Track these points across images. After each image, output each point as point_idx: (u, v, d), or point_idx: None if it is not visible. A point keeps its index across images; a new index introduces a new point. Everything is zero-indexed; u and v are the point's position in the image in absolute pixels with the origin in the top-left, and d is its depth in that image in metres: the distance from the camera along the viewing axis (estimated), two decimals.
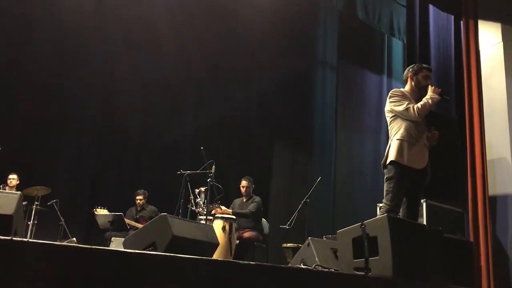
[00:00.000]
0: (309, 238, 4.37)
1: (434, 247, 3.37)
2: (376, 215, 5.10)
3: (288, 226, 6.00)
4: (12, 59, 6.83)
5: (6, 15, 6.76)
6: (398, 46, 9.76)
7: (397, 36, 9.10)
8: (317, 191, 6.44)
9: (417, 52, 8.10)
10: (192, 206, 6.20)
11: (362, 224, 3.12)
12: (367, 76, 9.67)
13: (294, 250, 5.35)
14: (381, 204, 5.09)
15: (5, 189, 6.47)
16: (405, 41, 8.88)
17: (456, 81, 7.82)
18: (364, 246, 3.05)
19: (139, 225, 6.55)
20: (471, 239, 5.30)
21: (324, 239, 5.40)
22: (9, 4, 6.81)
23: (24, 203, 5.94)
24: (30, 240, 1.87)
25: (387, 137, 9.33)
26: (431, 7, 7.90)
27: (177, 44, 7.98)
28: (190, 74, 8.21)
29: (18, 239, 1.90)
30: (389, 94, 4.19)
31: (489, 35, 5.81)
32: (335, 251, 4.16)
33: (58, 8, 7.04)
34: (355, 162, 9.19)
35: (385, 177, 3.95)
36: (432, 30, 8.10)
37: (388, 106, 4.19)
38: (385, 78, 9.72)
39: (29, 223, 6.28)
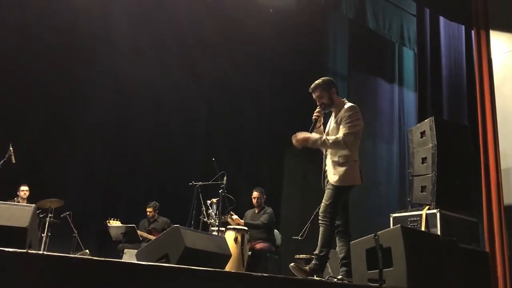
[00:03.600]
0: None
1: (449, 258, 3.33)
2: (389, 226, 5.06)
3: (300, 237, 5.97)
4: (23, 72, 6.90)
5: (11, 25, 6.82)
6: (409, 55, 9.73)
7: (407, 45, 9.09)
8: None
9: (428, 61, 8.09)
10: (204, 217, 6.20)
11: (375, 235, 3.10)
12: (378, 85, 9.64)
13: (307, 261, 5.31)
14: (394, 215, 5.10)
15: (18, 202, 6.53)
16: (415, 50, 8.86)
17: (468, 90, 7.78)
18: (378, 257, 3.02)
19: (152, 237, 6.56)
20: (487, 249, 5.23)
21: (337, 250, 5.36)
22: (21, 8, 6.90)
23: (39, 214, 5.99)
24: (45, 253, 1.89)
25: (400, 146, 9.37)
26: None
27: (187, 57, 8.05)
28: (201, 87, 8.27)
29: (33, 251, 1.92)
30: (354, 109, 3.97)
31: (500, 43, 5.78)
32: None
33: (68, 13, 7.12)
34: (367, 172, 9.08)
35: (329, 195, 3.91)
36: (443, 39, 8.08)
37: (344, 121, 3.94)
38: (396, 87, 9.69)
39: (42, 235, 6.32)
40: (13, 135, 6.22)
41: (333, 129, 3.93)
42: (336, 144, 3.80)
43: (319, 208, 6.01)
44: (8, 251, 1.81)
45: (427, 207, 4.75)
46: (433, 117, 5.10)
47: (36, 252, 1.93)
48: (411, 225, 4.73)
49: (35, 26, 6.94)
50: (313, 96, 4.02)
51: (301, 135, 3.89)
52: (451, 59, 8.23)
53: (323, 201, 3.85)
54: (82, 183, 7.37)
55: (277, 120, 8.66)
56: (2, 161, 5.67)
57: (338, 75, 9.38)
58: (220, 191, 5.89)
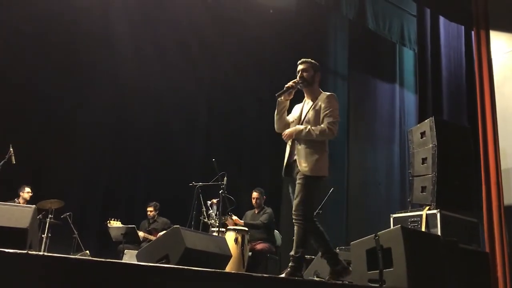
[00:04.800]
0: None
1: (449, 258, 3.33)
2: (390, 226, 5.06)
3: None
4: (23, 73, 6.89)
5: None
6: (409, 56, 9.73)
7: (408, 45, 9.09)
8: (330, 202, 6.39)
9: (428, 62, 8.10)
10: (204, 218, 6.20)
11: (375, 236, 3.10)
12: (378, 86, 9.64)
13: (307, 262, 5.31)
14: (395, 215, 5.09)
15: (19, 202, 6.53)
16: (416, 51, 8.86)
17: (468, 90, 7.78)
18: (378, 257, 3.02)
19: (152, 237, 6.57)
20: (487, 249, 5.23)
21: (338, 251, 5.35)
22: (21, 8, 6.89)
23: (38, 216, 6.00)
24: (46, 253, 1.89)
25: (400, 146, 9.36)
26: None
27: (187, 58, 8.06)
28: (201, 87, 8.27)
29: (34, 252, 1.92)
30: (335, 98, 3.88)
31: (501, 43, 5.78)
32: (348, 263, 4.13)
33: (69, 14, 7.13)
34: (368, 172, 9.13)
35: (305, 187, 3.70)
36: (443, 39, 8.08)
37: (328, 110, 3.81)
38: (397, 87, 9.69)
39: (43, 236, 6.32)
40: (13, 135, 6.22)
41: (313, 117, 3.78)
42: (323, 134, 3.71)
43: (319, 208, 6.07)
44: (9, 252, 1.81)
45: (427, 207, 4.75)
46: (433, 118, 5.10)
47: (37, 253, 1.93)
48: (412, 226, 4.73)
49: (35, 27, 6.94)
50: (299, 67, 3.91)
51: (287, 131, 3.82)
52: (451, 59, 8.23)
53: (295, 196, 3.69)
54: (82, 184, 7.37)
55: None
56: (2, 161, 5.68)
57: (338, 75, 9.38)
58: (220, 192, 5.89)
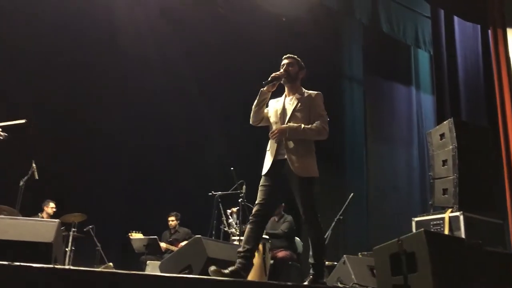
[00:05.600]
0: (344, 255, 4.32)
1: (475, 262, 3.28)
2: (412, 230, 5.01)
3: None
4: (44, 90, 7.03)
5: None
6: (424, 58, 9.66)
7: (423, 47, 9.03)
8: (350, 207, 6.35)
9: (444, 63, 8.01)
10: (225, 227, 6.21)
11: (398, 240, 3.07)
12: (395, 89, 9.59)
13: (330, 268, 5.28)
14: (416, 219, 5.04)
15: (42, 217, 6.63)
16: (431, 52, 8.79)
17: (486, 90, 7.67)
18: (402, 262, 2.99)
19: (174, 248, 6.60)
20: None
21: (360, 256, 5.32)
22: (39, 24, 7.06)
23: (62, 229, 6.08)
24: (71, 267, 1.92)
25: (419, 149, 9.26)
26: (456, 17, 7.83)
27: (202, 68, 8.10)
28: (217, 96, 8.32)
29: (60, 266, 1.96)
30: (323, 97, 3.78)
31: None
32: (372, 268, 4.09)
33: (90, 30, 7.27)
34: (387, 176, 9.06)
35: (305, 190, 3.55)
36: (458, 40, 7.99)
37: (321, 109, 3.72)
38: (413, 89, 9.62)
39: (66, 249, 6.40)
40: (35, 151, 6.33)
41: (302, 115, 3.62)
42: (319, 133, 3.59)
43: (340, 214, 6.04)
44: (36, 266, 1.85)
45: (449, 210, 4.69)
46: (452, 119, 5.05)
47: (63, 267, 1.96)
48: (434, 229, 4.68)
49: (55, 41, 7.07)
50: (283, 61, 3.80)
51: (278, 128, 3.59)
52: (467, 60, 8.13)
53: (301, 202, 3.51)
54: (104, 197, 7.45)
55: None
56: (25, 177, 5.78)
57: (354, 80, 9.36)
58: (239, 200, 5.89)
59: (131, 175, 7.74)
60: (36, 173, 5.79)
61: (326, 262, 5.81)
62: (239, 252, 3.43)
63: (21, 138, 6.10)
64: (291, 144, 3.56)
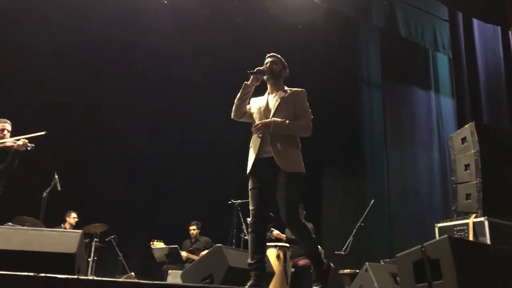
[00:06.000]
0: (366, 263, 4.27)
1: (501, 268, 3.20)
2: (434, 236, 4.93)
3: (343, 251, 5.88)
4: (67, 104, 7.15)
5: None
6: (443, 61, 9.56)
7: (441, 51, 8.93)
8: (371, 213, 6.30)
9: (464, 66, 7.91)
10: (245, 235, 6.20)
11: (422, 247, 3.01)
12: (414, 93, 9.50)
13: (352, 276, 5.23)
14: (439, 225, 4.96)
15: (65, 228, 6.71)
16: (450, 55, 8.69)
17: (508, 92, 7.54)
18: (426, 269, 2.94)
19: (195, 257, 6.62)
20: None
21: (382, 263, 5.26)
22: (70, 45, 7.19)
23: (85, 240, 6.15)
24: (95, 278, 1.94)
25: (440, 153, 9.13)
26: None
27: (217, 74, 8.12)
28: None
29: (84, 277, 1.97)
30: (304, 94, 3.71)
31: None
32: (394, 276, 4.03)
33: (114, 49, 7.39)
34: (408, 181, 8.95)
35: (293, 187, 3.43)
36: (478, 42, 7.88)
37: (305, 105, 3.66)
38: (432, 94, 9.52)
39: (89, 259, 6.46)
40: (58, 163, 6.43)
41: (285, 111, 3.55)
42: (304, 129, 3.55)
43: (361, 221, 5.98)
44: (61, 277, 1.87)
45: (473, 215, 4.60)
46: (473, 122, 4.97)
47: (87, 277, 1.98)
48: (458, 235, 4.59)
49: (79, 56, 7.20)
50: (267, 59, 3.77)
51: (262, 122, 3.49)
52: (488, 62, 8.01)
53: (284, 199, 3.36)
54: (125, 207, 7.52)
55: (312, 135, 8.62)
56: (48, 189, 5.87)
57: (372, 84, 9.31)
58: None
59: (152, 185, 7.82)
60: (58, 184, 5.89)
61: (348, 270, 5.79)
62: (250, 264, 3.39)
63: (43, 150, 6.23)
64: (276, 140, 3.48)
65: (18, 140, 4.68)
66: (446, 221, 4.91)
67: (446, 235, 2.99)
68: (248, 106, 3.72)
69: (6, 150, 4.68)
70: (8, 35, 6.80)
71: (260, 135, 3.51)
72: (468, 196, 4.78)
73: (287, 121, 3.50)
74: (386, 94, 9.29)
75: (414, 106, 9.40)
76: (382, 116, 9.14)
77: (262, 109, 3.63)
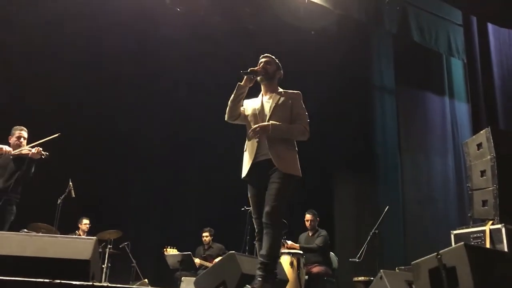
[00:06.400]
0: (381, 270, 4.22)
1: None
2: (449, 243, 4.86)
3: (358, 259, 5.82)
4: (82, 111, 7.23)
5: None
6: (457, 66, 9.48)
7: (456, 55, 8.85)
8: (386, 220, 6.24)
9: (478, 70, 7.84)
10: None
11: (438, 254, 2.98)
12: (427, 98, 9.42)
13: (366, 284, 5.18)
14: (455, 232, 4.89)
15: (79, 235, 6.76)
16: (465, 60, 8.62)
17: None
18: (442, 277, 2.90)
19: (208, 264, 6.62)
20: None
21: (397, 271, 5.20)
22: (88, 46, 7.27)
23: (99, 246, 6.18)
24: (109, 284, 1.94)
25: (455, 160, 9.03)
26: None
27: (230, 80, 8.13)
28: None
29: (98, 283, 1.98)
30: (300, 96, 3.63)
31: None
32: (410, 284, 3.98)
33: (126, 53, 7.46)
34: (423, 187, 8.86)
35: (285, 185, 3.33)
36: (493, 46, 7.81)
37: (302, 108, 3.57)
38: (446, 99, 9.43)
39: (103, 266, 6.49)
40: (72, 170, 6.49)
41: (282, 113, 3.47)
42: (302, 133, 3.47)
43: (375, 228, 5.92)
44: (76, 284, 1.88)
45: (490, 222, 4.54)
46: (489, 128, 4.91)
47: (101, 284, 1.98)
48: (475, 242, 4.53)
49: (93, 64, 7.28)
50: (261, 60, 3.67)
51: (260, 125, 3.39)
52: (503, 66, 7.93)
53: (271, 196, 3.25)
54: (138, 214, 7.56)
55: (325, 142, 8.59)
56: (63, 196, 5.92)
57: (385, 90, 9.26)
58: None
59: (165, 192, 7.84)
60: (73, 191, 5.93)
61: (362, 278, 5.73)
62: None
63: (58, 157, 6.29)
64: (274, 143, 3.40)
65: (33, 148, 4.73)
66: (462, 228, 4.86)
67: (462, 243, 2.96)
68: (242, 108, 3.63)
69: (22, 158, 4.73)
70: (29, 44, 6.88)
71: (257, 139, 3.43)
72: (484, 202, 4.72)
73: (285, 125, 3.44)
74: (399, 100, 9.23)
75: (428, 112, 9.32)
76: (395, 122, 9.08)
77: (257, 111, 3.55)
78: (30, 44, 6.93)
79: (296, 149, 3.53)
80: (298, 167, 3.46)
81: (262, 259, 3.21)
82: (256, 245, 3.48)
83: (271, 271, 3.21)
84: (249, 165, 3.48)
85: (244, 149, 3.60)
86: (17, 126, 4.95)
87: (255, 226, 3.46)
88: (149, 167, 7.76)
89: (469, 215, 5.09)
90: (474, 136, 5.27)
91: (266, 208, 3.24)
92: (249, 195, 3.55)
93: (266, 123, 3.41)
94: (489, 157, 4.74)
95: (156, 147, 7.85)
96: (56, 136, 4.81)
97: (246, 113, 3.61)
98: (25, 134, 4.93)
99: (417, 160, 9.00)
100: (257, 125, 3.41)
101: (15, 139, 4.87)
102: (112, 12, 7.08)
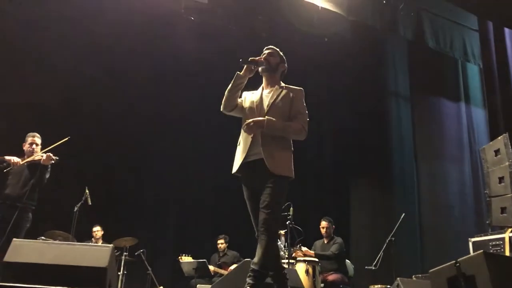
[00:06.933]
0: (398, 278, 4.18)
1: None
2: (467, 250, 4.80)
3: (374, 266, 5.77)
4: (97, 122, 7.30)
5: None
6: (473, 71, 9.38)
7: (472, 61, 8.76)
8: (402, 227, 6.18)
9: (495, 75, 7.74)
10: None
11: (456, 263, 2.93)
12: (443, 105, 9.32)
13: None
14: (473, 239, 4.82)
15: (95, 242, 6.81)
16: (481, 66, 8.52)
17: None
18: (461, 286, 2.85)
19: (223, 271, 6.61)
20: None
21: (414, 279, 5.14)
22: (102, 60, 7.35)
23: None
24: None
25: (472, 166, 8.92)
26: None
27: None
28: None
29: None
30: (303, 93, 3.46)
31: None
32: None
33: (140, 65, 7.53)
34: (439, 194, 8.74)
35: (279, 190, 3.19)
36: (510, 51, 7.71)
37: (302, 106, 3.39)
38: (463, 105, 9.33)
39: (119, 273, 6.52)
40: (89, 178, 6.55)
41: (281, 109, 3.32)
42: (299, 132, 3.29)
43: (392, 235, 5.87)
44: None
45: (509, 229, 4.48)
46: (507, 134, 4.85)
47: None
48: (494, 250, 4.46)
49: (107, 72, 7.35)
50: (265, 51, 3.52)
51: (254, 120, 3.22)
52: None
53: (265, 202, 3.12)
54: (154, 221, 7.59)
55: (340, 148, 8.56)
56: (79, 203, 5.98)
57: (400, 97, 9.20)
58: (287, 223, 5.84)
59: (180, 199, 7.86)
60: (89, 199, 5.98)
61: (379, 286, 5.68)
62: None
63: (74, 166, 6.36)
64: (268, 140, 3.23)
65: (45, 154, 4.77)
66: (481, 236, 4.79)
67: (481, 251, 2.91)
68: (239, 100, 3.45)
69: (36, 164, 4.78)
70: (46, 54, 6.99)
71: (251, 134, 3.27)
72: (503, 209, 4.65)
73: (282, 122, 3.26)
74: (414, 106, 9.16)
75: (444, 118, 9.22)
76: (411, 128, 9.01)
77: (255, 104, 3.38)
78: (50, 56, 7.00)
79: (292, 148, 3.35)
80: (292, 168, 3.28)
81: (253, 267, 3.10)
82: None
83: (261, 279, 3.11)
84: (240, 163, 3.33)
85: (238, 143, 3.45)
86: (30, 133, 5.01)
87: (256, 232, 3.33)
88: (164, 174, 7.79)
89: (487, 222, 5.02)
90: (491, 142, 5.21)
91: (261, 215, 3.13)
92: (245, 197, 3.42)
93: (261, 118, 3.24)
94: (507, 163, 4.68)
95: (170, 155, 7.88)
96: (65, 140, 4.84)
97: (244, 105, 3.44)
98: (38, 140, 4.98)
99: (433, 167, 8.90)
100: (251, 120, 3.23)
101: (28, 145, 4.92)
102: (125, 22, 7.16)
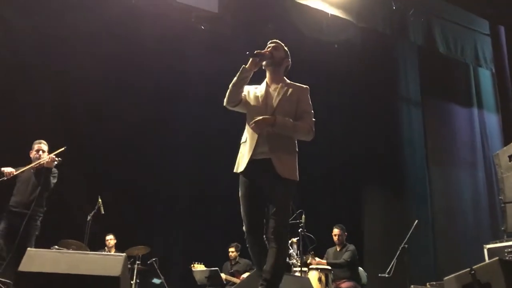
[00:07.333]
0: (412, 286, 4.15)
1: None
2: (482, 257, 4.73)
3: (387, 274, 5.72)
4: (108, 130, 7.35)
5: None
6: (485, 76, 9.32)
7: (483, 65, 8.70)
8: (415, 234, 6.12)
9: (508, 80, 7.70)
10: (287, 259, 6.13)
11: (471, 270, 2.90)
12: (455, 110, 9.27)
13: None
14: (488, 246, 4.76)
15: (109, 251, 6.83)
16: (493, 70, 8.46)
17: None
18: None
19: (235, 279, 6.60)
20: None
21: (428, 286, 5.08)
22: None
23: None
24: None
25: (486, 171, 8.83)
26: None
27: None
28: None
29: None
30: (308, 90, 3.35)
31: None
32: None
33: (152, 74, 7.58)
34: (452, 200, 8.67)
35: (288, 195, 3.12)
36: None
37: (309, 105, 3.28)
38: (475, 110, 9.26)
39: (131, 282, 6.54)
40: (101, 188, 6.59)
41: (288, 108, 3.20)
42: (308, 133, 3.19)
43: (405, 242, 5.81)
44: None
45: None
46: None
47: None
48: (509, 257, 4.40)
49: (115, 80, 7.41)
50: (269, 45, 3.40)
51: (262, 118, 3.09)
52: None
53: (275, 208, 3.03)
54: (166, 229, 7.60)
55: (352, 156, 8.52)
56: (92, 212, 6.01)
57: (411, 102, 9.16)
58: (299, 230, 5.82)
59: (192, 207, 7.87)
60: (102, 208, 6.02)
61: None
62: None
63: (87, 175, 6.41)
64: (275, 140, 3.11)
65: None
66: (496, 242, 4.73)
67: (496, 258, 2.88)
68: (243, 94, 3.30)
69: (41, 170, 4.79)
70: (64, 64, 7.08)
71: (259, 132, 3.14)
72: None
73: (291, 121, 3.14)
74: (426, 112, 9.11)
75: (456, 123, 9.16)
76: (422, 134, 8.96)
77: (261, 99, 3.26)
78: (67, 68, 7.08)
79: (297, 150, 3.25)
80: (296, 170, 3.18)
81: (265, 275, 3.02)
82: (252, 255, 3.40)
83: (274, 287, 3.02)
84: (247, 161, 3.17)
85: (243, 141, 3.31)
86: (37, 140, 5.03)
87: (246, 235, 3.27)
88: (175, 183, 7.82)
89: (502, 228, 4.95)
90: (505, 147, 5.15)
91: (271, 223, 3.05)
92: (240, 194, 3.30)
93: (270, 116, 3.11)
94: None
95: (183, 164, 7.90)
96: (62, 150, 4.82)
97: (248, 100, 3.31)
98: (44, 147, 4.98)
99: (446, 172, 8.83)
100: (261, 118, 3.09)
101: (35, 152, 4.93)
102: (135, 29, 7.22)
